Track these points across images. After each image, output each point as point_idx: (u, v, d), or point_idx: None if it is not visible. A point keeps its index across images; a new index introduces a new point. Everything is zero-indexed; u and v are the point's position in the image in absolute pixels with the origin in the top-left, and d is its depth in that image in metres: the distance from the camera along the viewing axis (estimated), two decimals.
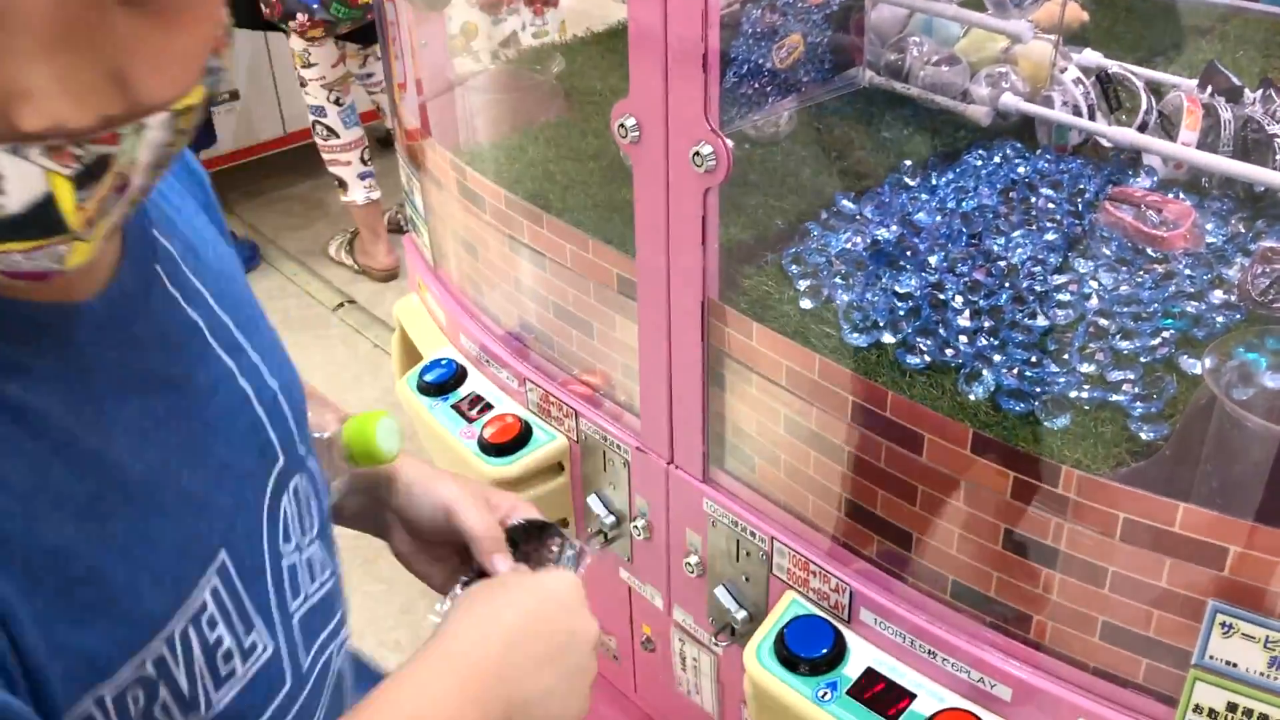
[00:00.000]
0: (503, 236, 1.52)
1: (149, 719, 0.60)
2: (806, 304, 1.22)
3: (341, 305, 3.53)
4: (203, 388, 0.66)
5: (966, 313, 1.18)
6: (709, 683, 1.46)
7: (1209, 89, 1.41)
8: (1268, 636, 0.89)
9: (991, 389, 1.07)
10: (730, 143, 1.09)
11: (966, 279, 1.24)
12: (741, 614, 1.31)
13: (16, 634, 0.51)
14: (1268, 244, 1.20)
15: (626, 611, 1.56)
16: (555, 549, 0.87)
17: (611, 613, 1.59)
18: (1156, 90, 1.49)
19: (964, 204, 1.39)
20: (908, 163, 1.46)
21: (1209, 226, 1.31)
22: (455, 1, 1.93)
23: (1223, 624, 0.91)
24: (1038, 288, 1.22)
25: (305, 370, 0.80)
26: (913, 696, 1.12)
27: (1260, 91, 1.38)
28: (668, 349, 1.27)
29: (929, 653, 1.12)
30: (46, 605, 0.53)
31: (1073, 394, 1.07)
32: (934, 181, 1.44)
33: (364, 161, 3.48)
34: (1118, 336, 1.13)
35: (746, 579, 1.31)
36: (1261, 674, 0.91)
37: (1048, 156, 1.48)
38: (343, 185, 3.49)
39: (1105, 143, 1.46)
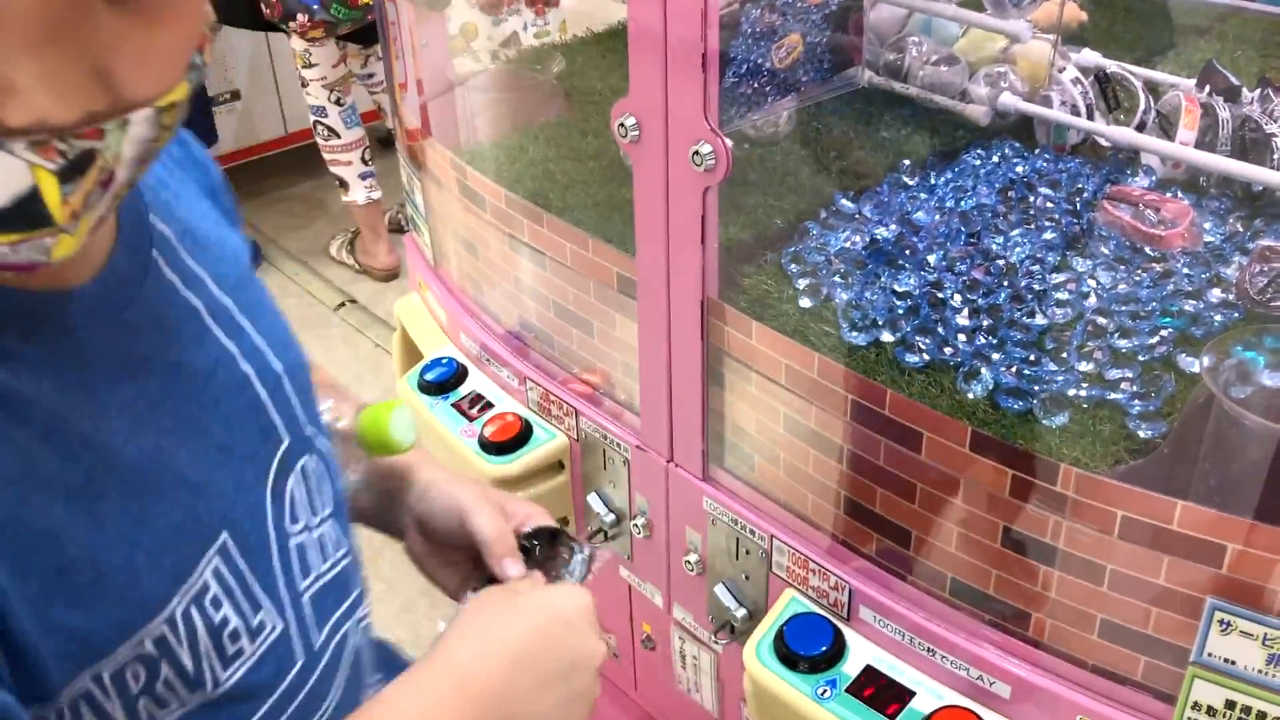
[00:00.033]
0: (503, 236, 1.52)
1: (152, 696, 0.60)
2: (806, 303, 1.22)
3: (343, 305, 3.54)
4: (200, 370, 0.66)
5: (965, 311, 1.19)
6: (709, 681, 1.47)
7: (1207, 88, 1.41)
8: (1266, 634, 0.90)
9: (990, 387, 1.08)
10: (729, 142, 1.09)
11: (965, 278, 1.24)
12: (741, 612, 1.32)
13: (8, 615, 0.52)
14: (1265, 243, 1.20)
15: (626, 610, 1.57)
16: (567, 555, 0.87)
17: (612, 611, 1.59)
18: (1155, 90, 1.49)
19: (963, 203, 1.39)
20: (906, 162, 1.46)
21: (1207, 225, 1.31)
22: (455, 2, 1.93)
23: (1221, 621, 0.91)
24: (1036, 286, 1.23)
25: None
26: (912, 694, 1.13)
27: (1258, 91, 1.38)
28: (667, 348, 1.27)
29: (928, 650, 1.13)
30: (40, 587, 0.54)
31: (1071, 392, 1.07)
32: (933, 181, 1.44)
33: (365, 161, 3.48)
34: (1116, 335, 1.14)
35: (746, 577, 1.31)
36: (1260, 671, 0.91)
37: (1046, 156, 1.48)
38: (344, 185, 3.49)
39: (1104, 142, 1.46)
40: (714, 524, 1.31)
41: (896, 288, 1.23)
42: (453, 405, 1.58)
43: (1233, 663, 0.92)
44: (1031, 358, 1.12)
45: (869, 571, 1.18)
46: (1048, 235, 1.31)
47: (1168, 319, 1.16)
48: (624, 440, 1.40)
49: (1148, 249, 1.28)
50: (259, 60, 3.89)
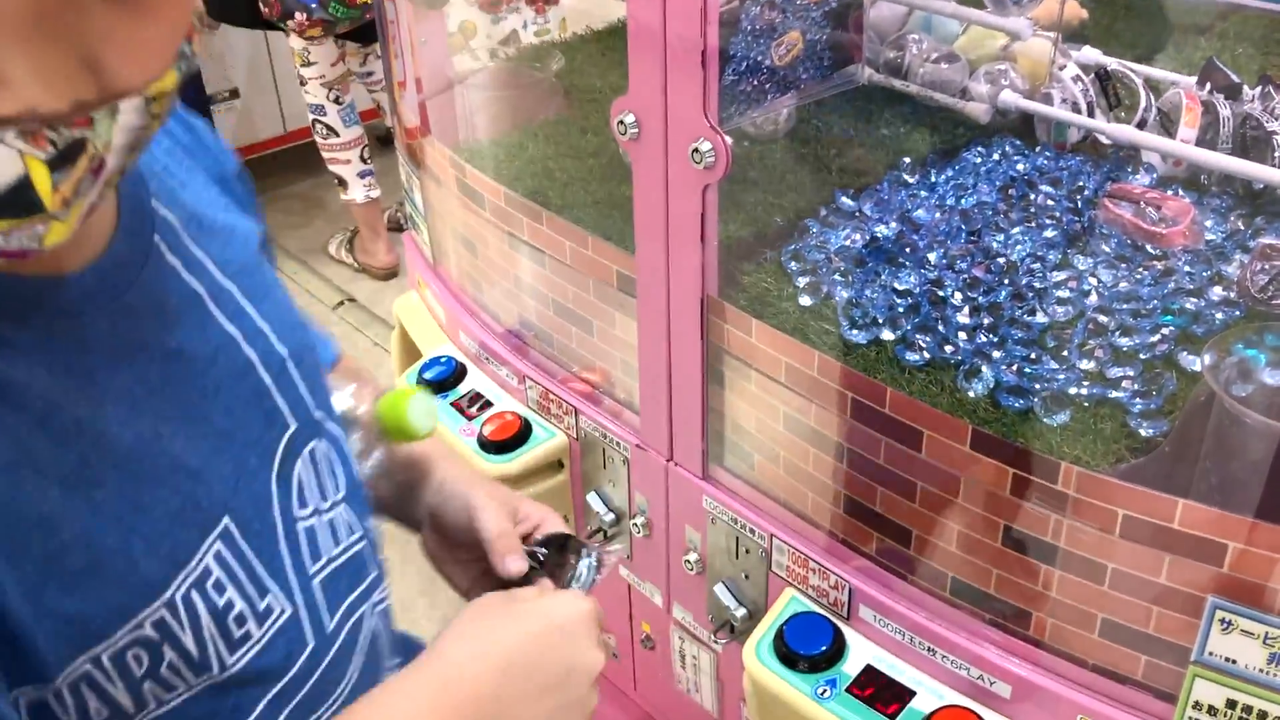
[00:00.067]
0: (502, 234, 1.52)
1: (157, 680, 0.61)
2: (806, 301, 1.22)
3: (341, 303, 3.53)
4: (201, 356, 0.66)
5: (966, 309, 1.18)
6: (709, 680, 1.46)
7: (1208, 86, 1.41)
8: (1267, 633, 0.89)
9: (991, 386, 1.07)
10: (729, 139, 1.09)
11: (966, 276, 1.24)
12: (741, 611, 1.31)
13: (2, 599, 0.53)
14: (1267, 241, 1.20)
15: (626, 609, 1.57)
16: (574, 560, 0.86)
17: (611, 611, 1.59)
18: (1155, 87, 1.49)
19: (963, 201, 1.38)
20: (907, 160, 1.46)
21: (1208, 223, 1.31)
22: (454, 0, 1.93)
23: (1222, 620, 0.91)
24: (1037, 284, 1.22)
25: None
26: (912, 694, 1.12)
27: (1259, 88, 1.38)
28: (667, 346, 1.27)
29: (928, 650, 1.12)
30: (34, 571, 0.55)
31: (1072, 390, 1.07)
32: (933, 179, 1.44)
33: (364, 160, 3.48)
34: (1117, 333, 1.13)
35: (746, 576, 1.31)
36: (1261, 670, 0.91)
37: (1047, 154, 1.48)
38: (342, 184, 3.49)
39: (1104, 140, 1.46)
40: (714, 523, 1.31)
41: (897, 286, 1.22)
42: (452, 404, 1.58)
43: (1234, 662, 0.92)
44: (1032, 356, 1.12)
45: (869, 570, 1.18)
46: (1048, 233, 1.31)
47: (1169, 317, 1.16)
48: (623, 439, 1.40)
49: (1149, 247, 1.28)
50: (258, 59, 3.89)
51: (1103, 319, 1.16)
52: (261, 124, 4.00)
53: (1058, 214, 1.34)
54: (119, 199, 0.63)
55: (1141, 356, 1.11)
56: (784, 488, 1.25)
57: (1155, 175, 1.39)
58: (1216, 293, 1.19)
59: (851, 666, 1.15)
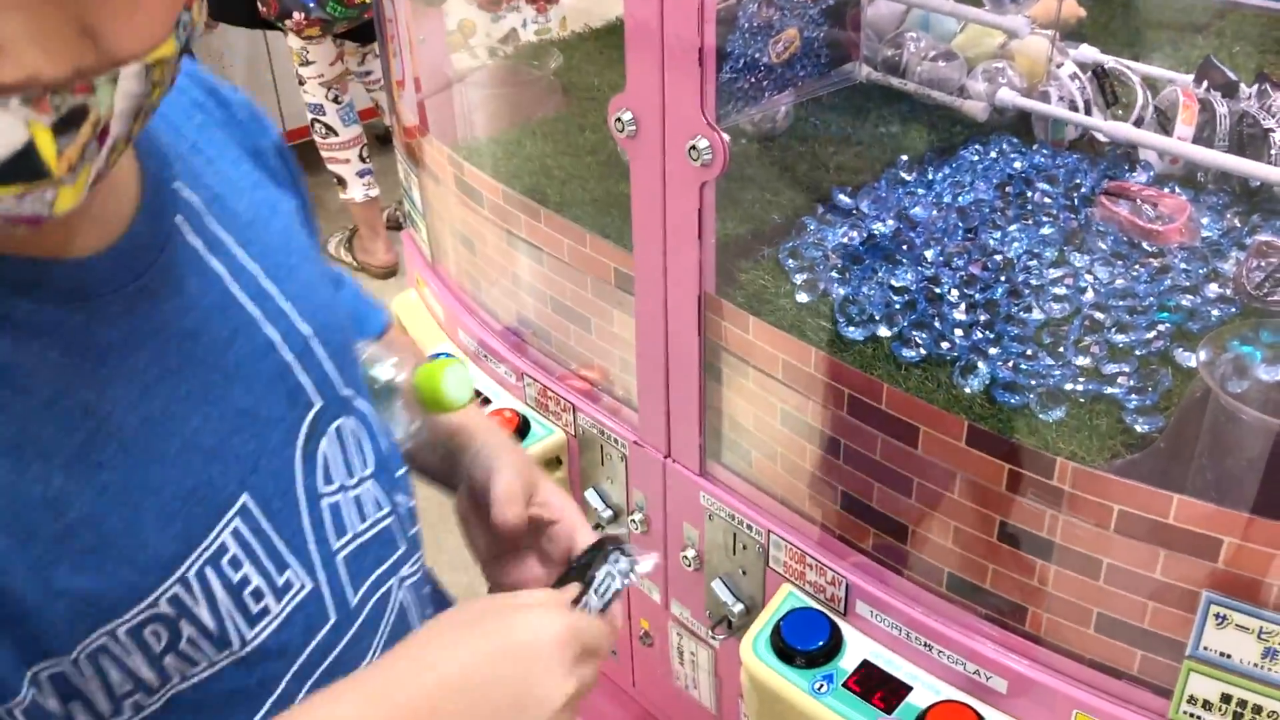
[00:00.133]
0: (500, 232, 1.52)
1: (178, 654, 0.62)
2: (803, 298, 1.22)
3: None
4: (220, 336, 0.66)
5: (962, 306, 1.19)
6: (707, 677, 1.47)
7: (1205, 84, 1.41)
8: (1261, 628, 0.90)
9: (987, 382, 1.08)
10: (727, 137, 1.09)
11: (962, 273, 1.24)
12: (738, 607, 1.32)
13: (8, 580, 0.55)
14: (1263, 238, 1.21)
15: (624, 606, 1.57)
16: (602, 566, 0.81)
17: None
18: (1152, 85, 1.49)
19: (960, 199, 1.39)
20: (904, 158, 1.46)
21: (1204, 221, 1.31)
22: None
23: (1217, 615, 0.91)
24: (1033, 281, 1.23)
25: None
26: (909, 689, 1.13)
27: (1256, 86, 1.38)
28: (665, 343, 1.27)
29: (925, 645, 1.13)
30: (43, 551, 0.56)
31: (1068, 387, 1.07)
32: (930, 176, 1.44)
33: (362, 159, 3.48)
34: (1113, 330, 1.14)
35: (743, 572, 1.31)
36: (1255, 665, 0.91)
37: (1044, 151, 1.48)
38: (341, 183, 3.49)
39: (1101, 137, 1.46)
40: (711, 519, 1.31)
41: (894, 283, 1.23)
42: None
43: (1228, 656, 0.92)
44: (1028, 352, 1.12)
45: (866, 566, 1.18)
46: (1045, 230, 1.31)
47: (1165, 314, 1.16)
48: (621, 436, 1.40)
49: (1145, 244, 1.28)
50: (256, 58, 3.89)
51: (1099, 315, 1.16)
52: None
53: (1054, 211, 1.34)
54: (141, 181, 0.64)
55: (1137, 353, 1.11)
56: (781, 484, 1.25)
57: (1152, 173, 1.40)
58: (1212, 289, 1.19)
59: (848, 662, 1.16)
